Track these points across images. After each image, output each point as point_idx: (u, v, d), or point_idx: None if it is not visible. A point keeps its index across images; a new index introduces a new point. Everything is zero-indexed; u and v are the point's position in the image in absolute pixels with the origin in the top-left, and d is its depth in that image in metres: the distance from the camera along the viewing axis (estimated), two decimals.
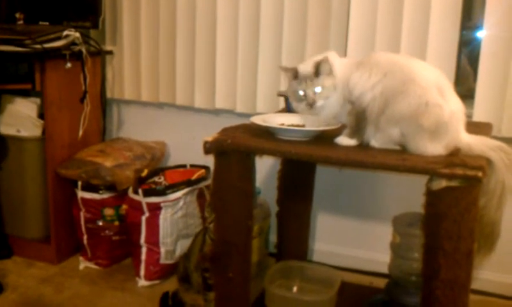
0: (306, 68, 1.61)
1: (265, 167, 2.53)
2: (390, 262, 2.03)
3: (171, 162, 2.79)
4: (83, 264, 2.50)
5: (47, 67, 2.34)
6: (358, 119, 1.58)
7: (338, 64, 1.62)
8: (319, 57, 1.60)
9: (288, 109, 1.94)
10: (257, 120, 1.73)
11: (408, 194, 2.09)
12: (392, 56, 1.63)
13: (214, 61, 2.54)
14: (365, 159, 1.47)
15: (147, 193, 2.29)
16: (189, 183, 2.38)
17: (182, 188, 2.34)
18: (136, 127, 2.87)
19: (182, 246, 2.35)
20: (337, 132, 1.64)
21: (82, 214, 2.46)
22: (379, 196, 2.43)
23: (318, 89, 1.59)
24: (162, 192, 2.30)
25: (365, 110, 1.56)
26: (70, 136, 2.52)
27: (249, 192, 1.68)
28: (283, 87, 2.35)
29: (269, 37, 2.43)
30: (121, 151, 2.55)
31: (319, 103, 1.60)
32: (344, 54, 2.28)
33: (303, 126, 1.71)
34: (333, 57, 1.63)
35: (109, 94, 2.82)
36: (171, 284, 2.26)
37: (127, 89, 2.80)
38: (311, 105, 1.60)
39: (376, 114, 1.54)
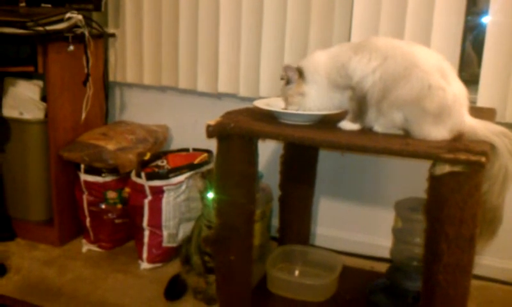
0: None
1: (268, 152, 2.53)
2: (391, 247, 2.03)
3: (174, 145, 2.79)
4: (86, 247, 2.51)
5: (50, 50, 2.33)
6: (360, 104, 1.57)
7: (324, 60, 1.63)
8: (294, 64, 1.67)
9: None
10: (260, 104, 1.73)
11: (411, 178, 2.09)
12: (392, 40, 1.61)
13: (217, 44, 2.52)
14: (367, 144, 1.47)
15: (150, 176, 2.29)
16: (191, 166, 2.38)
17: (185, 172, 2.34)
18: (139, 110, 2.87)
19: (185, 229, 2.36)
20: (340, 117, 1.63)
21: (84, 197, 2.47)
22: (382, 180, 2.43)
23: (288, 95, 1.67)
24: (164, 176, 2.30)
25: (366, 95, 1.55)
26: (72, 119, 2.52)
27: (251, 176, 1.68)
28: None
29: (272, 20, 2.41)
30: (124, 134, 2.55)
31: (292, 108, 1.66)
32: (348, 39, 2.27)
33: None
34: (316, 57, 1.65)
35: (111, 78, 2.82)
36: (174, 268, 2.27)
37: (130, 73, 2.79)
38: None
39: (376, 98, 1.53)
